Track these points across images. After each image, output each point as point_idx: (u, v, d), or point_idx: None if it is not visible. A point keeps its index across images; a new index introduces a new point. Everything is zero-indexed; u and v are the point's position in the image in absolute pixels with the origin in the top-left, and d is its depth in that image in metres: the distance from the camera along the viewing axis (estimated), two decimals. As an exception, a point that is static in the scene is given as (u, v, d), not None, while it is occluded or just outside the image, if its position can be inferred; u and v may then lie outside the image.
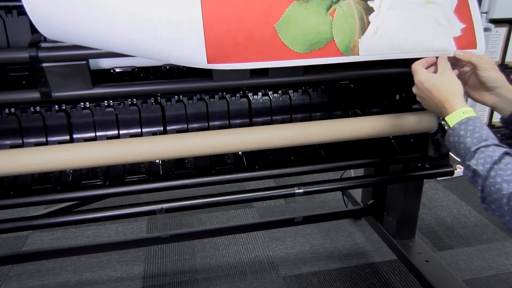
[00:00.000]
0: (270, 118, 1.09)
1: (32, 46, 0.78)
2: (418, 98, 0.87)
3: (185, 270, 1.73)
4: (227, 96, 1.06)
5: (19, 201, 0.93)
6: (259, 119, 1.09)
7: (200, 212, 2.14)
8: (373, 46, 0.88)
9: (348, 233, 1.96)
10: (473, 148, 0.73)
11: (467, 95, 0.91)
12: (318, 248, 1.86)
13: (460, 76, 0.90)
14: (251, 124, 1.08)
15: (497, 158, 0.69)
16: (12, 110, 0.95)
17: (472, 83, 0.89)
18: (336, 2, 0.83)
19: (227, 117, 1.07)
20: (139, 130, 1.02)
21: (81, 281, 1.67)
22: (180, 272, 1.72)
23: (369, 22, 0.86)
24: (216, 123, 1.06)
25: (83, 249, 1.64)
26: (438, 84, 0.81)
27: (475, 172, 0.72)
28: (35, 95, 0.84)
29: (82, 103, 0.98)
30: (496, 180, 0.68)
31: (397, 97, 1.17)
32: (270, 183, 1.99)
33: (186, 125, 1.04)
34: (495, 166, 0.69)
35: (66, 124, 0.98)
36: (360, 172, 1.85)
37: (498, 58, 1.02)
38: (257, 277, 1.68)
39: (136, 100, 1.01)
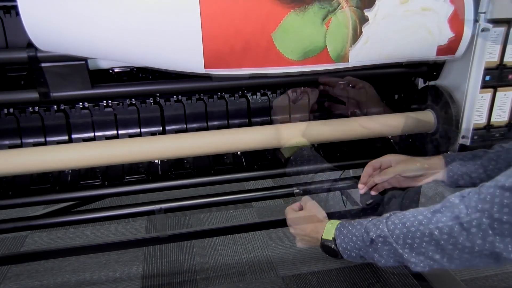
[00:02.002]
0: (269, 118, 1.09)
1: (31, 46, 0.78)
2: (297, 240, 0.90)
3: (184, 270, 1.73)
4: (226, 96, 1.06)
5: (18, 201, 0.93)
6: (258, 119, 1.09)
7: (199, 212, 2.14)
8: (362, 54, 0.90)
9: (347, 233, 1.96)
10: (363, 229, 0.75)
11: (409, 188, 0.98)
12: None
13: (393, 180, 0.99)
14: (250, 124, 1.08)
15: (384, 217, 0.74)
16: (11, 110, 0.95)
17: (408, 181, 0.98)
18: (332, 12, 0.84)
19: (226, 117, 1.07)
20: (138, 130, 1.02)
21: (80, 281, 1.67)
22: (179, 272, 1.72)
23: (361, 32, 0.87)
24: (215, 123, 1.06)
25: (82, 249, 1.63)
26: (304, 217, 0.88)
27: (384, 237, 0.71)
28: (33, 95, 0.84)
29: (80, 103, 0.98)
30: (407, 218, 0.71)
31: (396, 97, 1.17)
32: (269, 183, 1.99)
33: (185, 125, 1.05)
34: (388, 219, 0.72)
35: (65, 124, 0.98)
36: (359, 172, 1.85)
37: (496, 58, 1.01)
38: (256, 277, 1.68)
39: (134, 100, 1.01)
